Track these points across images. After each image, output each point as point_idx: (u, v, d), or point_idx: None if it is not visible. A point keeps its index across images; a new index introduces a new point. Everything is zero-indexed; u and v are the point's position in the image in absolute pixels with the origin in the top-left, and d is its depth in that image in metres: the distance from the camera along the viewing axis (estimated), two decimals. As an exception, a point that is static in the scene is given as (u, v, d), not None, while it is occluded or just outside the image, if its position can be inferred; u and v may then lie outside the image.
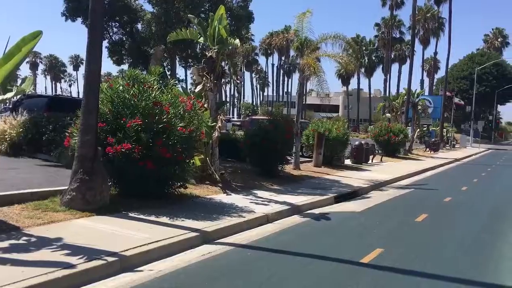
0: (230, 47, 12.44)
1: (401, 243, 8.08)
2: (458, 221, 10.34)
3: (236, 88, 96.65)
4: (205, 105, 11.55)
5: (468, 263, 7.02)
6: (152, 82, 9.68)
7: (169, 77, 21.32)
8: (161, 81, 10.16)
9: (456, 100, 62.25)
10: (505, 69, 71.48)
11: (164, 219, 7.96)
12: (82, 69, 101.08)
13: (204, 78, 11.72)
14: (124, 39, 27.01)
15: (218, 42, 11.93)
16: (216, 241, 7.40)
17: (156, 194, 9.25)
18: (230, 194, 11.10)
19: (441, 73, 78.66)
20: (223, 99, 73.13)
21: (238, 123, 49.93)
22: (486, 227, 9.79)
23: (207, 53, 12.29)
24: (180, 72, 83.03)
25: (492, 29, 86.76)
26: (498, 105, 76.53)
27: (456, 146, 49.91)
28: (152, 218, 7.98)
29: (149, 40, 24.96)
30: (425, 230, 9.31)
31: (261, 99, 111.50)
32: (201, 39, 12.65)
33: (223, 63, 12.59)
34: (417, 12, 51.65)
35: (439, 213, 11.27)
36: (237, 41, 12.27)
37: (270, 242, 7.66)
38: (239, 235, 7.96)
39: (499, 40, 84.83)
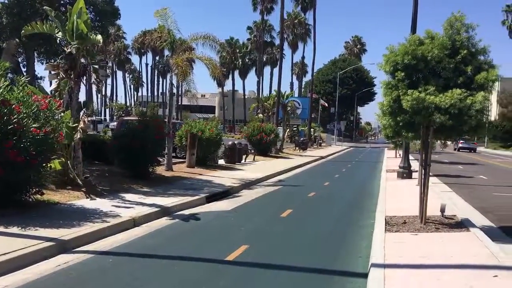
0: (91, 43, 11.75)
1: (266, 239, 8.38)
2: (319, 214, 11.07)
3: (97, 87, 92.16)
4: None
5: (324, 252, 7.53)
6: (-4, 78, 8.73)
7: (24, 74, 19.51)
8: (11, 78, 9.20)
9: (322, 101, 67.03)
10: (363, 74, 79.08)
11: (14, 229, 7.25)
12: None
13: (59, 76, 10.88)
14: (-32, 31, 24.05)
15: (77, 37, 11.16)
16: (74, 250, 6.93)
17: (5, 202, 8.36)
18: (95, 199, 10.50)
19: (309, 76, 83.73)
20: (93, 99, 69.03)
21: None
22: (342, 219, 10.62)
23: (66, 49, 11.45)
24: (39, 69, 76.17)
25: (352, 37, 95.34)
26: (358, 107, 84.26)
27: (322, 144, 53.79)
28: (0, 229, 7.20)
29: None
30: (289, 224, 9.79)
31: (135, 100, 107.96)
32: (59, 34, 11.75)
33: (84, 60, 11.82)
34: (286, 18, 54.63)
35: (303, 207, 11.96)
36: (99, 37, 11.60)
37: (135, 246, 7.42)
38: (101, 241, 7.56)
39: (358, 47, 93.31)
